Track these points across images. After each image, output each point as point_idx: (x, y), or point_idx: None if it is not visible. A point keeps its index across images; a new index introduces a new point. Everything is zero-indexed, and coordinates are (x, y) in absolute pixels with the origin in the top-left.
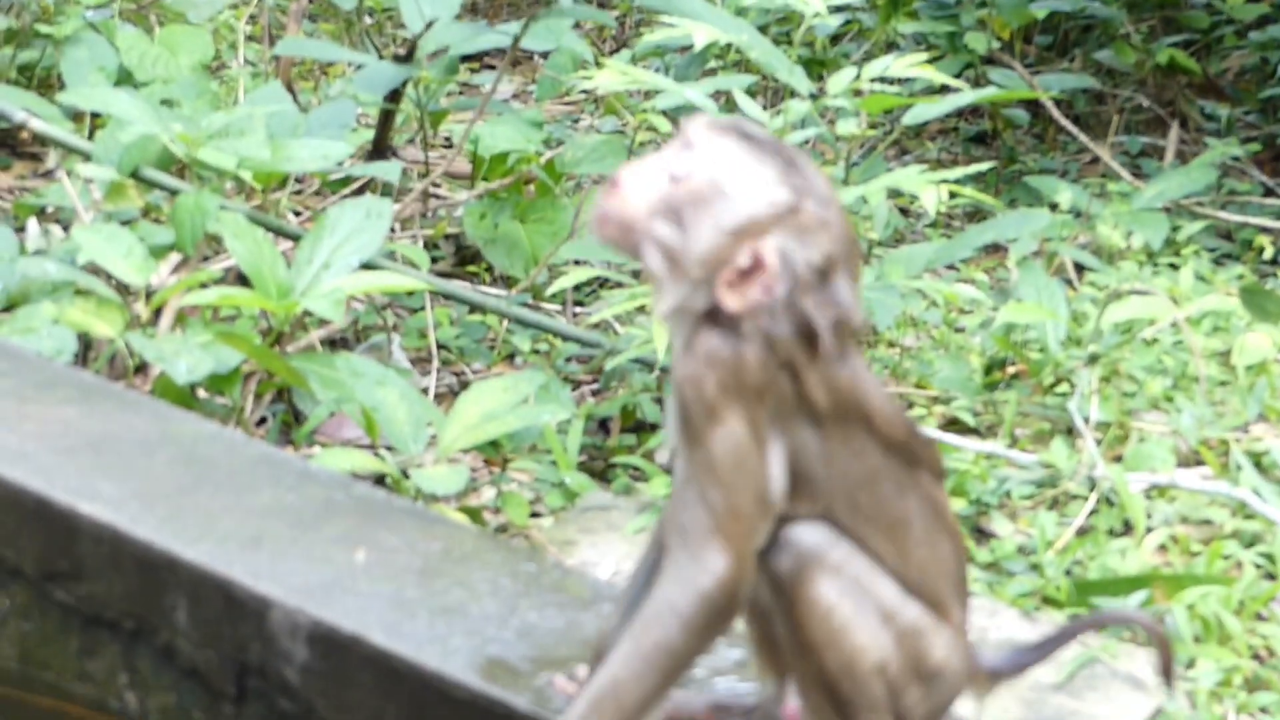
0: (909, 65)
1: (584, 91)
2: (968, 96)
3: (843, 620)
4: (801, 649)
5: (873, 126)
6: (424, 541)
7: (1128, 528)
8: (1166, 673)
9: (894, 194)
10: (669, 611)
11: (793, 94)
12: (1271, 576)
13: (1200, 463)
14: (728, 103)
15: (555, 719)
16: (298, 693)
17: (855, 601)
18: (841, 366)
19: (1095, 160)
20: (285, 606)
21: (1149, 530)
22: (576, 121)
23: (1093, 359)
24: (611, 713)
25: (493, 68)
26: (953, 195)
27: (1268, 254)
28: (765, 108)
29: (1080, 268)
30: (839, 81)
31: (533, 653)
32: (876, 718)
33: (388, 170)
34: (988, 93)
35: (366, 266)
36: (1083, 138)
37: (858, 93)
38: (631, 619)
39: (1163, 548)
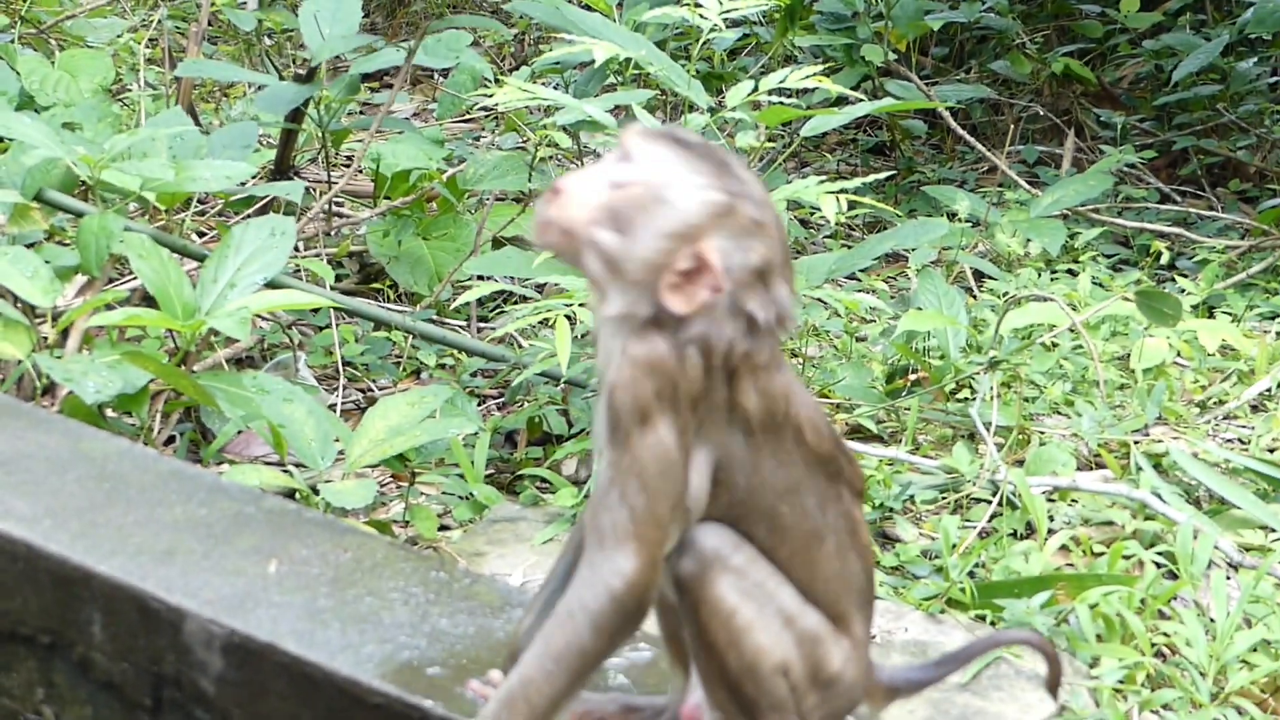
0: (805, 77)
1: (484, 109)
2: (865, 107)
3: (744, 622)
4: (705, 649)
5: (772, 139)
6: (335, 552)
7: (1030, 530)
8: (1054, 688)
9: (794, 205)
10: (580, 612)
11: (691, 108)
12: (1173, 575)
13: (1101, 465)
14: (627, 117)
15: None
16: (213, 703)
17: (757, 604)
18: (776, 374)
19: (993, 169)
20: (199, 618)
21: (1051, 532)
22: (478, 139)
23: (993, 364)
24: (523, 712)
25: (392, 84)
26: (853, 206)
27: (1165, 259)
28: (664, 122)
29: (980, 275)
30: (737, 94)
31: (445, 658)
32: (779, 717)
33: (290, 189)
34: (884, 104)
35: (271, 285)
36: (980, 147)
37: (756, 105)
38: (544, 621)
39: (1065, 549)
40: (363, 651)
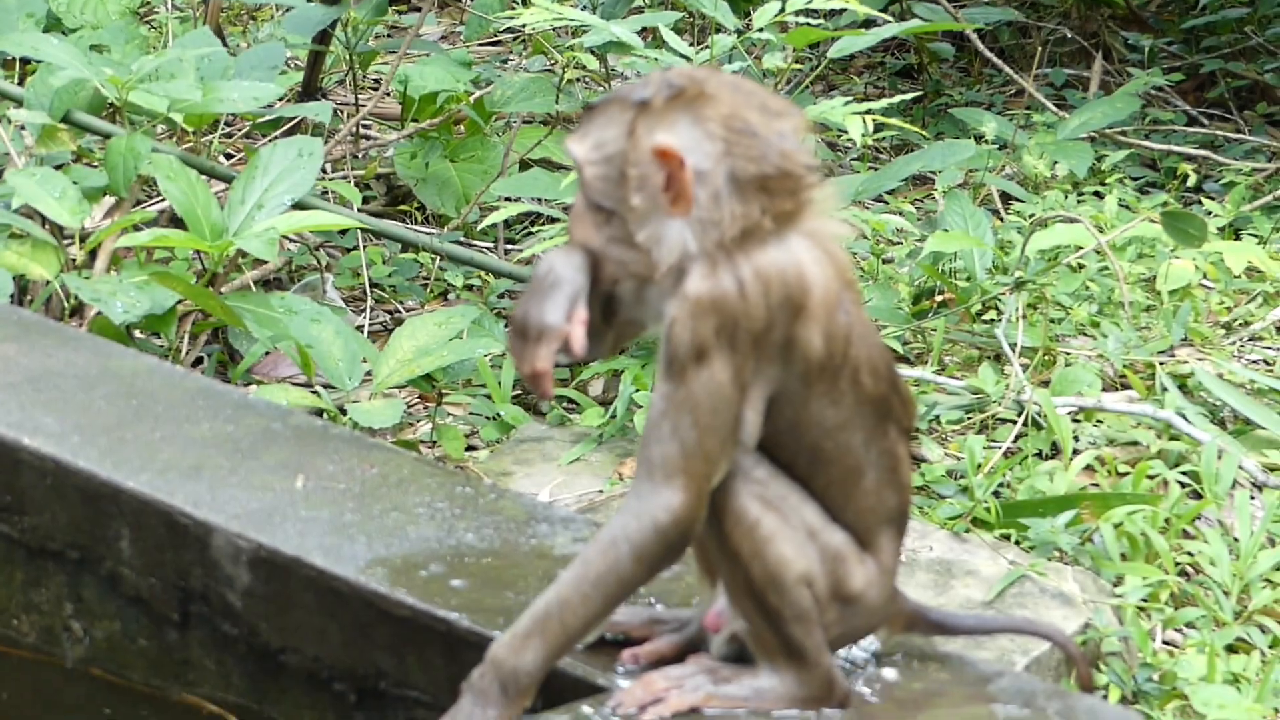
0: None
1: (509, 31)
2: (892, 29)
3: (768, 532)
4: (729, 559)
5: (799, 61)
6: (361, 468)
7: (1055, 450)
8: (1086, 688)
9: (821, 128)
10: (624, 541)
11: (719, 29)
12: (1197, 495)
13: (1126, 386)
14: (655, 40)
15: (494, 635)
16: (240, 616)
17: (780, 516)
18: (838, 314)
19: (1021, 92)
20: (227, 532)
21: (1076, 452)
22: (505, 62)
23: (1018, 285)
24: (556, 632)
25: (418, 8)
26: (879, 128)
27: (1191, 181)
28: (692, 44)
29: (1007, 198)
30: (764, 15)
31: (470, 571)
32: (803, 627)
33: (318, 110)
34: (911, 25)
35: (299, 206)
36: (1007, 70)
37: (784, 27)
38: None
39: (1090, 469)
40: (389, 565)
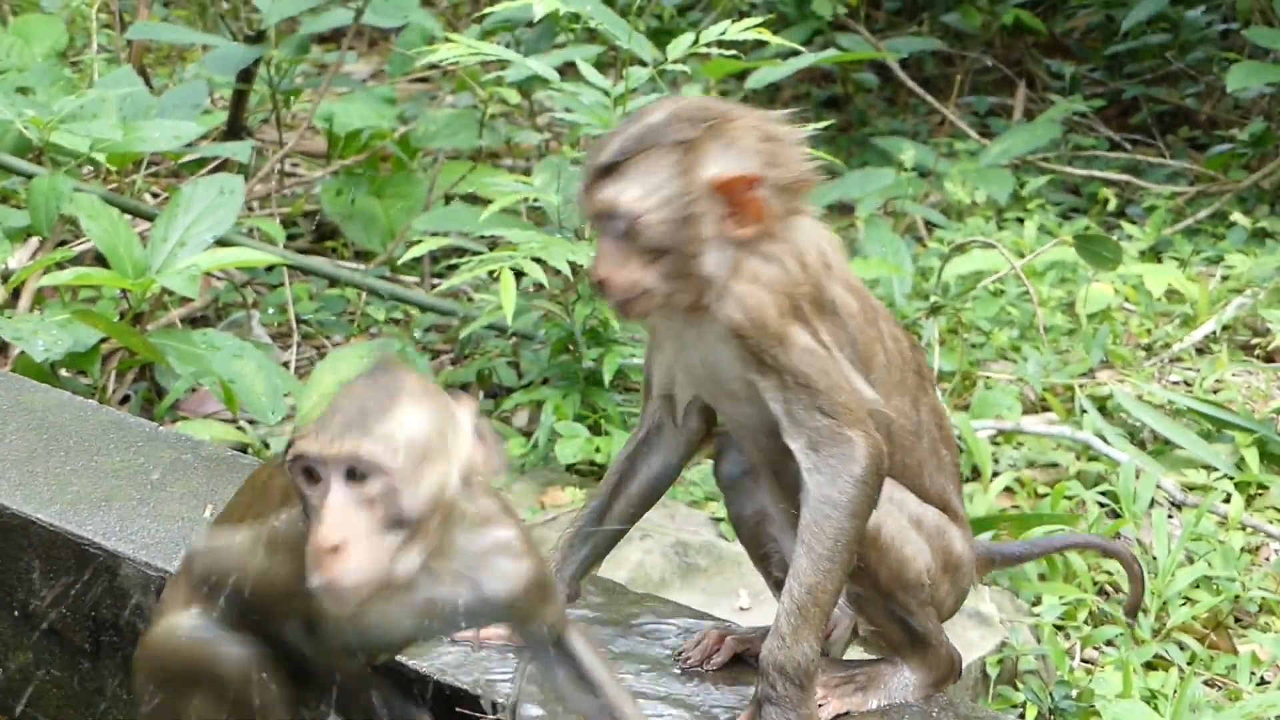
0: (744, 28)
1: (435, 67)
2: (808, 59)
3: (887, 539)
4: (854, 572)
5: (725, 94)
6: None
7: (975, 473)
8: (1134, 610)
9: None
10: (835, 509)
11: (635, 61)
12: (1116, 515)
13: (1046, 409)
14: (575, 74)
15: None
16: None
17: (893, 520)
18: (853, 276)
19: (946, 121)
20: (136, 562)
21: (996, 474)
22: (434, 99)
23: (934, 310)
24: (816, 615)
25: (350, 48)
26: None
27: (1113, 206)
28: (615, 80)
29: (931, 225)
30: (678, 47)
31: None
32: (925, 613)
33: (237, 150)
34: (828, 54)
35: (222, 243)
36: (929, 98)
37: (707, 60)
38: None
39: (1009, 490)
40: None
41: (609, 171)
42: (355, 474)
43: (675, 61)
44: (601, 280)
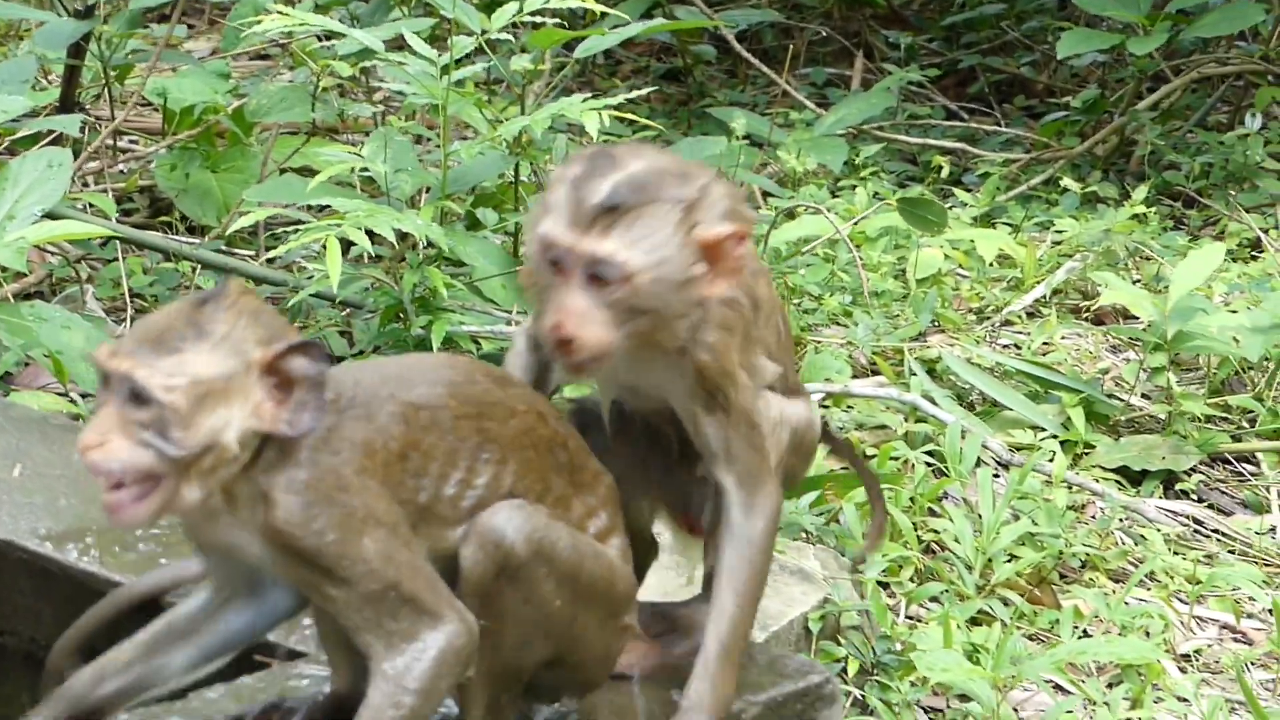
0: None
1: (276, 43)
2: (636, 28)
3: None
4: None
5: (562, 66)
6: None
7: None
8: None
9: (579, 130)
10: (755, 546)
11: (460, 30)
12: (942, 474)
13: (876, 373)
14: (406, 47)
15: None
16: None
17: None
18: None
19: (786, 93)
20: None
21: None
22: (273, 75)
23: None
24: (738, 650)
25: (189, 25)
26: (638, 129)
27: (948, 173)
28: (439, 49)
29: (768, 195)
30: (502, 16)
31: (182, 547)
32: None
33: (66, 124)
34: (657, 23)
35: (51, 217)
36: (765, 69)
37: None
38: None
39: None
40: (102, 547)
41: (605, 217)
42: (136, 398)
43: (501, 30)
44: (566, 338)
